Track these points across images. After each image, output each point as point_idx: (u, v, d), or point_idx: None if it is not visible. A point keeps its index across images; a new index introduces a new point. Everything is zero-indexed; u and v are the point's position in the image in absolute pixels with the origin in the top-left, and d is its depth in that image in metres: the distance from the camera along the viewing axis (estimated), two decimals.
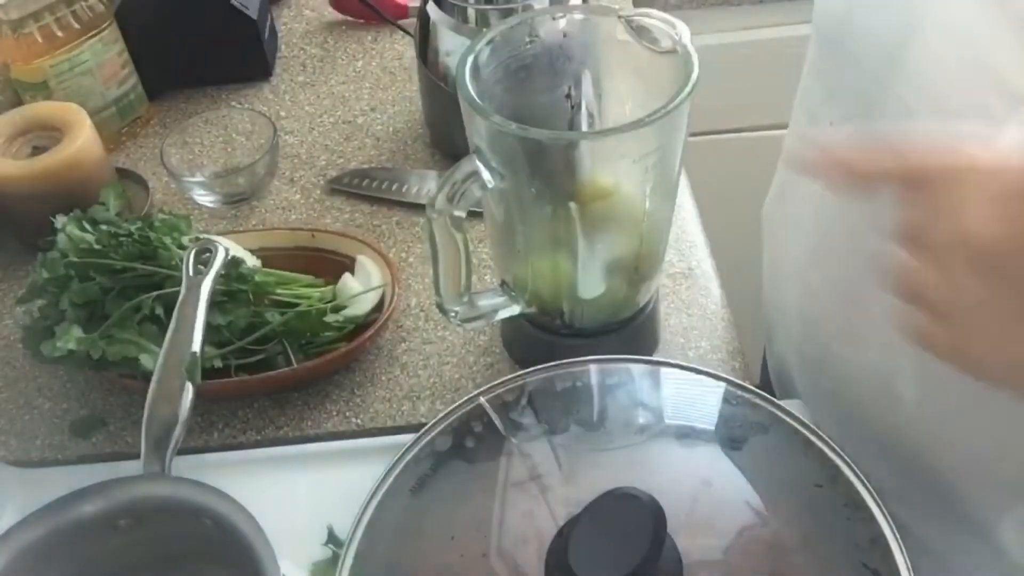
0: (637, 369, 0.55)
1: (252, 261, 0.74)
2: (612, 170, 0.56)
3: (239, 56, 1.00)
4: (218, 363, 0.65)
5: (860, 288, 0.57)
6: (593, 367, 0.54)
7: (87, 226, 0.70)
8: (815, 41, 0.59)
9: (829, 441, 0.49)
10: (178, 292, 0.64)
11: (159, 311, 0.66)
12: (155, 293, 0.67)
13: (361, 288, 0.72)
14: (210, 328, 0.64)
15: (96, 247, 0.68)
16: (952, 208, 0.37)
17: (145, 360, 0.63)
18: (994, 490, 0.57)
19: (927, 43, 0.46)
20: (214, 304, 0.65)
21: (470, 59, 0.55)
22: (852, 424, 0.64)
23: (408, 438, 0.51)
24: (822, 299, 0.64)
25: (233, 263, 0.68)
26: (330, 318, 0.69)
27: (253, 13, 0.97)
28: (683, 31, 0.55)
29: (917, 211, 0.39)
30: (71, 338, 0.64)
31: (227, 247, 0.69)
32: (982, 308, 0.38)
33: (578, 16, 0.60)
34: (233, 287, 0.67)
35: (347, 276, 0.74)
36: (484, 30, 0.59)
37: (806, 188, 0.63)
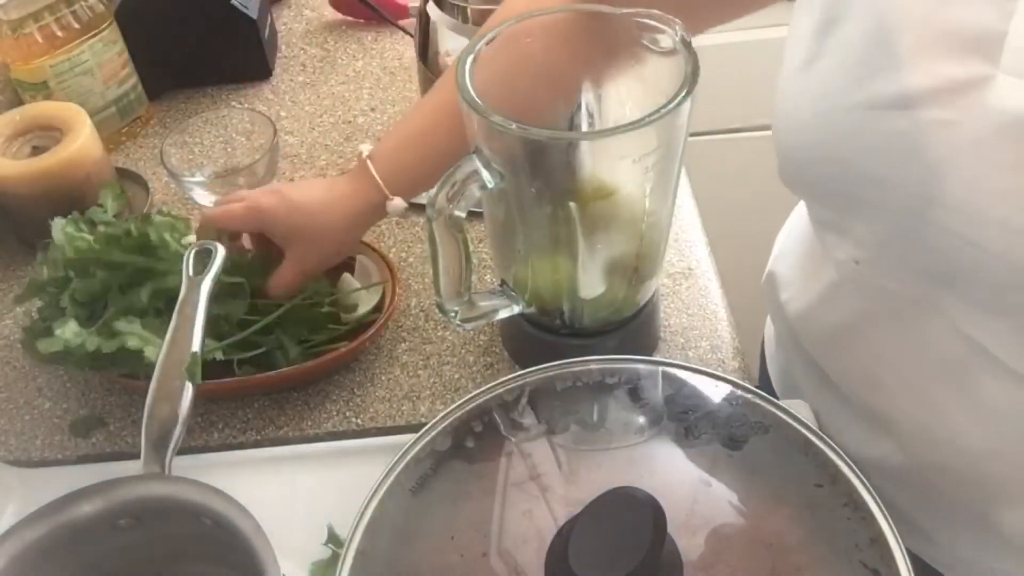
0: (637, 369, 0.55)
1: None
2: (612, 170, 0.56)
3: (239, 56, 1.00)
4: (219, 355, 0.65)
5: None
6: (593, 367, 0.54)
7: (83, 227, 0.70)
8: (802, 193, 0.58)
9: (829, 441, 0.49)
10: (179, 286, 0.64)
11: (160, 304, 0.66)
12: (151, 287, 0.67)
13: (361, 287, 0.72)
14: (209, 319, 0.64)
15: (95, 246, 0.68)
16: None
17: (149, 352, 0.63)
18: (996, 483, 0.57)
19: (960, 179, 0.46)
20: (212, 296, 0.65)
21: (470, 59, 0.55)
22: (863, 422, 0.64)
23: (408, 438, 0.51)
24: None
25: (230, 260, 0.68)
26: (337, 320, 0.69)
27: (253, 13, 0.97)
28: (683, 31, 0.55)
29: None
30: (68, 332, 0.64)
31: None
32: None
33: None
34: (232, 279, 0.68)
35: (346, 276, 0.74)
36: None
37: None
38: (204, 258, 0.66)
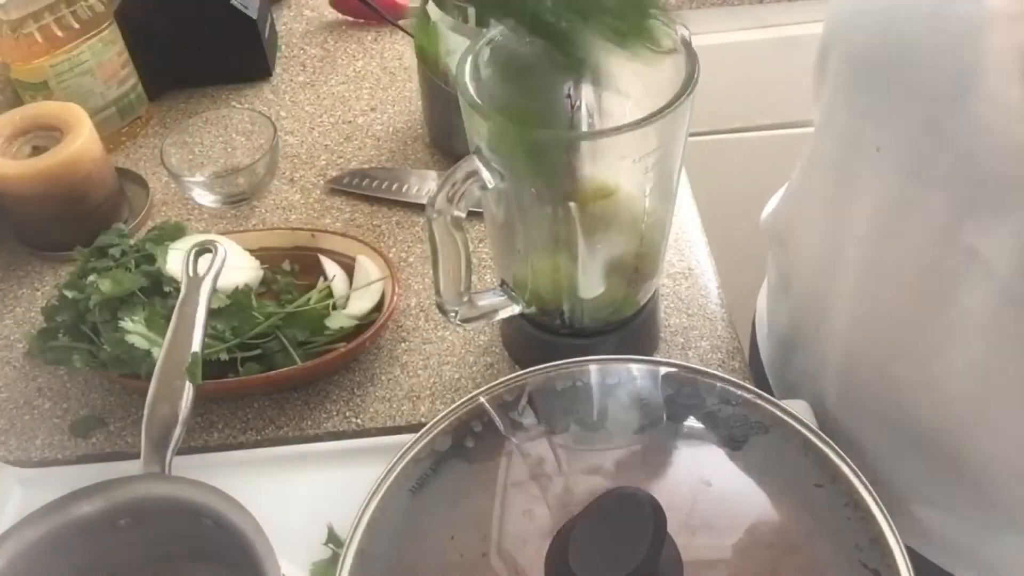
0: (637, 369, 0.55)
1: (252, 261, 0.74)
2: (612, 170, 0.56)
3: (239, 56, 1.00)
4: (223, 355, 0.65)
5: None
6: (593, 367, 0.54)
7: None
8: (843, 71, 0.59)
9: (829, 441, 0.49)
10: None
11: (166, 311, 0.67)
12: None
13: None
14: (212, 332, 0.65)
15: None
16: None
17: (156, 352, 0.63)
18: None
19: (990, 86, 0.48)
20: (215, 311, 0.66)
21: (470, 59, 0.55)
22: (885, 421, 0.64)
23: (408, 438, 0.51)
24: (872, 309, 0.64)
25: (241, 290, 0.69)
26: (331, 319, 0.69)
27: (253, 13, 0.97)
28: (683, 31, 0.55)
29: None
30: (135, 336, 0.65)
31: (227, 247, 0.69)
32: None
33: None
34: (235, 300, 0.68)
35: (341, 275, 0.74)
36: (484, 30, 0.58)
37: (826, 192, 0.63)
38: (204, 258, 0.67)
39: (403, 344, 0.73)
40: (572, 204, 0.56)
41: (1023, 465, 0.57)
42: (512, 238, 0.61)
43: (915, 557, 0.44)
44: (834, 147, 0.63)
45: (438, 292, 0.60)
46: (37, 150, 0.81)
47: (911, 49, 0.52)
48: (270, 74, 1.02)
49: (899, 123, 0.54)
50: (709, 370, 0.54)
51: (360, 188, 0.86)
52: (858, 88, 0.58)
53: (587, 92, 0.60)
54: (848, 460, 0.48)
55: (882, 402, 0.64)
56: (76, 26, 0.86)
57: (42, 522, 0.50)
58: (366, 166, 0.90)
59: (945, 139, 0.51)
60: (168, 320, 0.63)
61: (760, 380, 0.84)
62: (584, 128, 0.61)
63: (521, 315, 0.66)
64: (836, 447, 0.48)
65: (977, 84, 0.48)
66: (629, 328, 0.67)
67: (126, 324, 0.66)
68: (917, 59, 0.52)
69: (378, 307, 0.71)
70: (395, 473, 0.50)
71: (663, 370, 0.57)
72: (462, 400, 0.53)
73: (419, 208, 0.84)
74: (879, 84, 0.56)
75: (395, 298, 0.70)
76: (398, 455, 0.50)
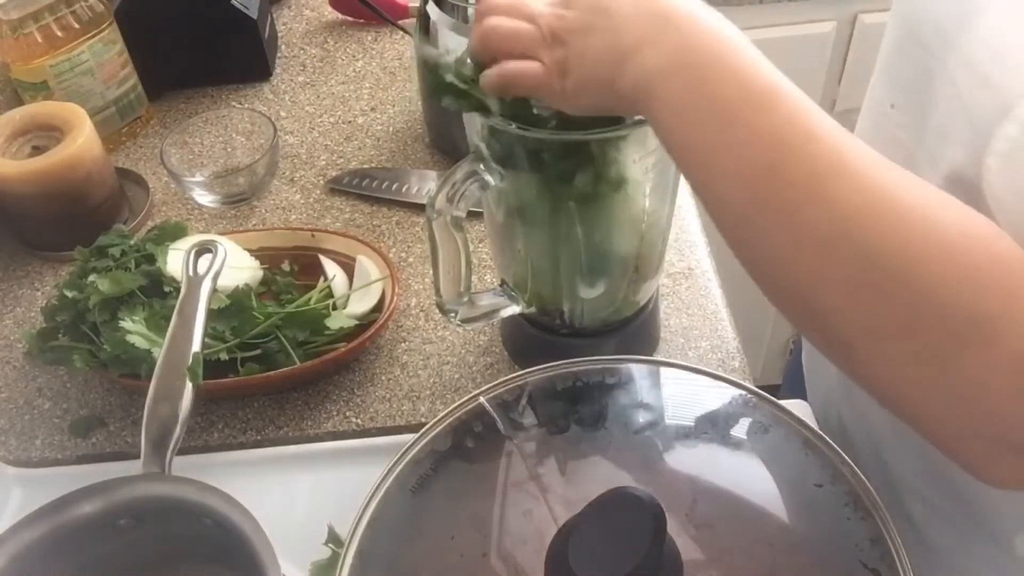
0: (637, 369, 0.55)
1: (252, 261, 0.74)
2: (612, 170, 0.56)
3: (239, 56, 1.00)
4: (223, 356, 0.65)
5: None
6: (593, 367, 0.54)
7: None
8: (889, 30, 0.60)
9: (829, 441, 0.49)
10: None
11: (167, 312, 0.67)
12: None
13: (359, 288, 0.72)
14: (212, 332, 0.65)
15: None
16: None
17: (157, 352, 0.63)
18: (1016, 504, 0.57)
19: (985, 26, 0.47)
20: (215, 311, 0.66)
21: (470, 59, 0.55)
22: (890, 424, 0.64)
23: (408, 438, 0.51)
24: None
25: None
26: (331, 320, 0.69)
27: (253, 13, 0.97)
28: None
29: None
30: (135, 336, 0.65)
31: (227, 247, 0.69)
32: (581, 35, 0.46)
33: None
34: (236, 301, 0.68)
35: (341, 275, 0.74)
36: None
37: None
38: (204, 258, 0.67)
39: (403, 344, 0.73)
40: (572, 204, 0.56)
41: None
42: (512, 238, 0.61)
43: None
44: (867, 116, 0.64)
45: (438, 292, 0.60)
46: (37, 150, 0.81)
47: (926, 2, 0.53)
48: (270, 74, 1.02)
49: (904, 74, 0.54)
50: (709, 370, 0.54)
51: (360, 188, 0.86)
52: (889, 45, 0.59)
53: None
54: (848, 460, 0.48)
55: None
56: (76, 26, 0.86)
57: (42, 522, 0.50)
58: (366, 166, 0.90)
59: (940, 72, 0.50)
60: (168, 320, 0.63)
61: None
62: None
63: (521, 315, 0.66)
64: (836, 447, 0.48)
65: (976, 20, 0.48)
66: (629, 328, 0.67)
67: (126, 324, 0.66)
68: (928, 9, 0.52)
69: (378, 307, 0.71)
70: (395, 473, 0.50)
71: (663, 370, 0.57)
72: (462, 400, 0.53)
73: (419, 208, 0.84)
74: (891, 40, 0.57)
75: (395, 298, 0.70)
76: (398, 455, 0.50)
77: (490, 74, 0.49)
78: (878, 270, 0.39)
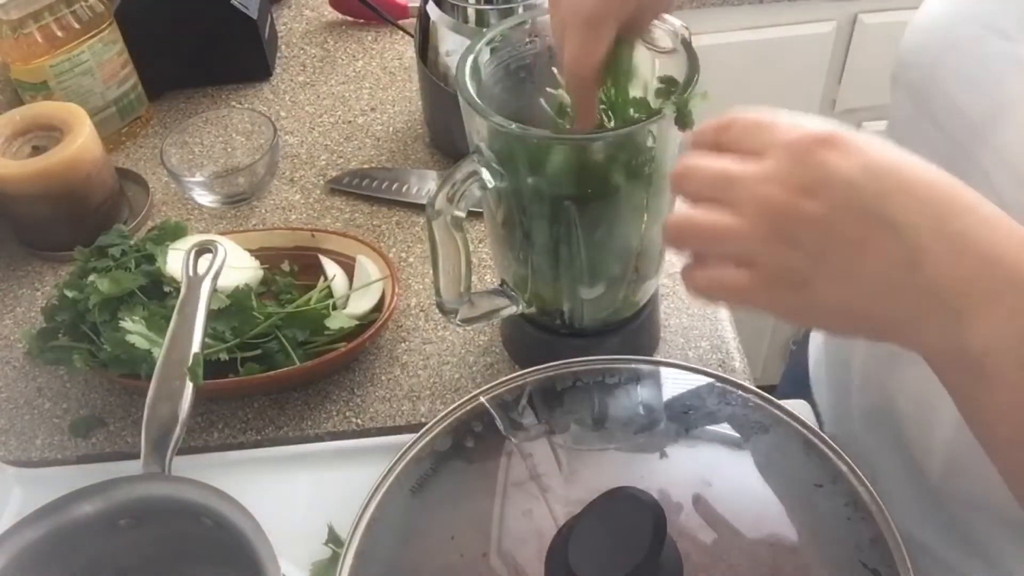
0: (637, 369, 0.55)
1: (252, 261, 0.74)
2: (613, 170, 0.56)
3: (239, 56, 1.00)
4: (224, 356, 0.65)
5: None
6: (593, 367, 0.54)
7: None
8: (896, 92, 0.60)
9: (829, 441, 0.49)
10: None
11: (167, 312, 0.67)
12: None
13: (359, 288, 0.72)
14: (211, 327, 0.65)
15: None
16: (757, 158, 0.37)
17: (157, 353, 0.63)
18: (1008, 525, 0.57)
19: (1018, 123, 0.48)
20: (215, 311, 0.66)
21: (470, 59, 0.55)
22: (890, 442, 0.63)
23: (408, 438, 0.51)
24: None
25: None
26: (331, 320, 0.69)
27: (253, 13, 0.97)
28: (683, 31, 0.55)
29: (723, 158, 0.38)
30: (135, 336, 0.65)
31: (227, 247, 0.69)
32: (786, 262, 0.37)
33: None
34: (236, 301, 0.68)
35: (341, 275, 0.74)
36: (484, 30, 0.58)
37: None
38: (204, 258, 0.67)
39: (403, 344, 0.73)
40: (572, 204, 0.56)
41: None
42: (512, 238, 0.61)
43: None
44: None
45: (438, 292, 0.60)
46: (37, 150, 0.81)
47: (953, 78, 0.53)
48: (270, 74, 1.02)
49: (935, 147, 0.54)
50: (709, 370, 0.54)
51: (360, 188, 0.86)
52: (909, 113, 0.59)
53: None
54: (848, 460, 0.48)
55: None
56: (76, 26, 0.86)
57: (42, 522, 0.51)
58: (366, 166, 0.90)
59: (972, 166, 0.50)
60: (168, 320, 0.63)
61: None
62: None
63: (521, 315, 0.66)
64: (836, 447, 0.48)
65: (1008, 118, 0.48)
66: (629, 328, 0.67)
67: (126, 324, 0.66)
68: (956, 87, 0.52)
69: (378, 307, 0.71)
70: (395, 473, 0.50)
71: (663, 370, 0.57)
72: (462, 400, 0.53)
73: (419, 208, 0.84)
74: (922, 109, 0.56)
75: (395, 298, 0.70)
76: (398, 455, 0.50)
77: (694, 277, 0.40)
78: None
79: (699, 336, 0.72)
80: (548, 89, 0.58)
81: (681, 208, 0.39)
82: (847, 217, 0.35)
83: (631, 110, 0.56)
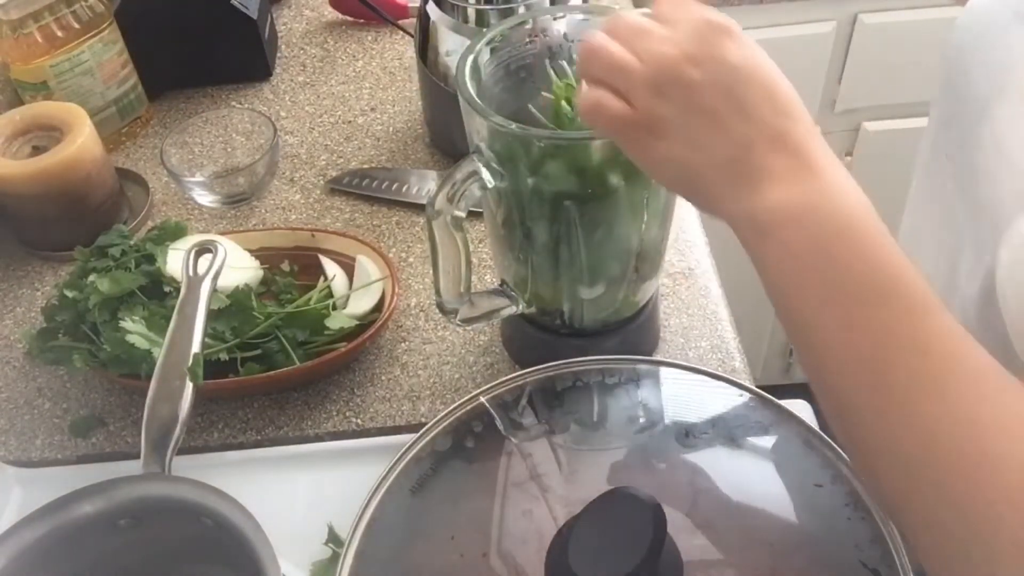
0: (637, 369, 0.55)
1: (252, 261, 0.74)
2: (612, 170, 0.56)
3: (239, 56, 1.00)
4: (224, 356, 0.65)
5: None
6: (593, 367, 0.54)
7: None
8: (940, 76, 0.61)
9: (829, 441, 0.49)
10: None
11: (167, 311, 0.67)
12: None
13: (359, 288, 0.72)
14: (211, 327, 0.65)
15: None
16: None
17: (157, 353, 0.63)
18: None
19: (1010, 105, 0.49)
20: (215, 311, 0.66)
21: (470, 59, 0.55)
22: None
23: (408, 438, 0.51)
24: None
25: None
26: (331, 320, 0.69)
27: (253, 13, 0.97)
28: None
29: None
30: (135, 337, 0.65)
31: (227, 247, 0.69)
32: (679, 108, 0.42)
33: (578, 16, 0.60)
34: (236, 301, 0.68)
35: (341, 275, 0.74)
36: (484, 30, 0.58)
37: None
38: (204, 258, 0.67)
39: (403, 344, 0.73)
40: (572, 204, 0.56)
41: None
42: (512, 238, 0.61)
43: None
44: (922, 161, 0.65)
45: (438, 292, 0.60)
46: (37, 150, 0.81)
47: (980, 65, 0.54)
48: (270, 74, 1.02)
49: (952, 134, 0.55)
50: (709, 370, 0.54)
51: (360, 188, 0.86)
52: (941, 90, 0.60)
53: None
54: (848, 460, 0.48)
55: None
56: (76, 26, 0.86)
57: (42, 522, 0.50)
58: (366, 166, 0.90)
59: (969, 154, 0.51)
60: (168, 320, 0.63)
61: None
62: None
63: (521, 315, 0.66)
64: (836, 447, 0.48)
65: (1002, 104, 0.48)
66: (629, 328, 0.67)
67: (126, 324, 0.66)
68: (969, 73, 0.53)
69: (378, 307, 0.71)
70: (395, 473, 0.50)
71: (663, 370, 0.57)
72: (462, 400, 0.53)
73: (419, 208, 0.84)
74: (948, 96, 0.57)
75: (395, 298, 0.70)
76: (398, 455, 0.50)
77: (583, 96, 0.45)
78: (945, 502, 0.38)
79: (699, 336, 0.72)
80: (544, 93, 0.58)
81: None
82: (715, 92, 0.42)
83: None
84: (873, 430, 0.40)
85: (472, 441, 0.51)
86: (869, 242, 0.40)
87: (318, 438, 0.68)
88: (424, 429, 0.52)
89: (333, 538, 0.59)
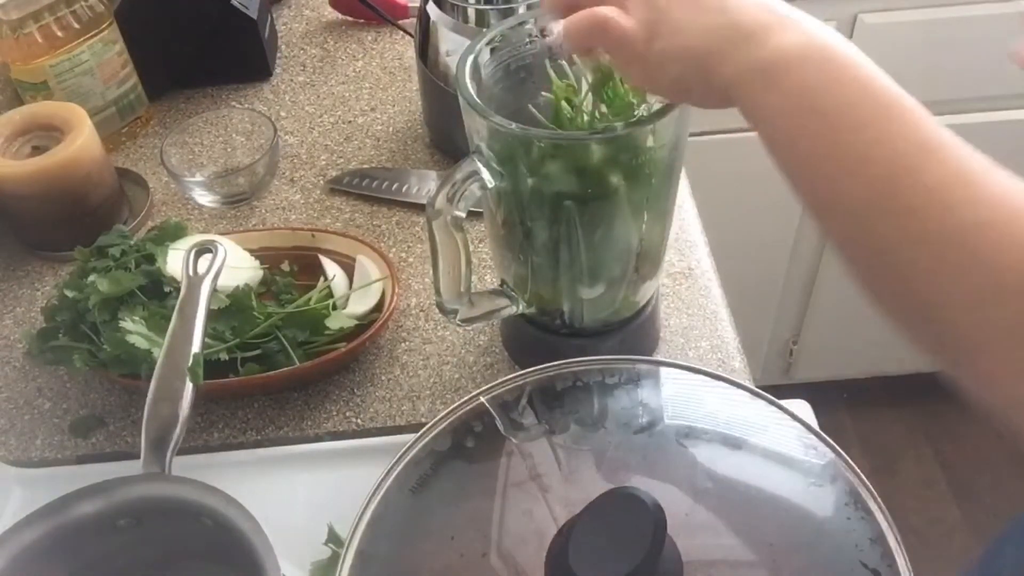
0: (637, 369, 0.55)
1: (252, 261, 0.74)
2: (612, 170, 0.56)
3: (239, 56, 1.00)
4: (223, 356, 0.65)
5: None
6: (593, 367, 0.54)
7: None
8: None
9: (829, 440, 0.49)
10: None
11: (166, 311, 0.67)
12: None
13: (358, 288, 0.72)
14: (211, 327, 0.65)
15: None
16: None
17: (157, 353, 0.63)
18: None
19: None
20: (215, 311, 0.66)
21: (470, 59, 0.55)
22: None
23: (408, 438, 0.51)
24: None
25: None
26: (331, 320, 0.69)
27: (253, 13, 0.97)
28: None
29: None
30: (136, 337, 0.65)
31: (227, 247, 0.69)
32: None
33: None
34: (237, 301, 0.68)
35: (341, 275, 0.74)
36: (484, 30, 0.58)
37: None
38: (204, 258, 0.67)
39: (403, 344, 0.73)
40: (572, 204, 0.56)
41: None
42: (512, 238, 0.61)
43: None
44: None
45: (438, 292, 0.60)
46: (37, 150, 0.81)
47: None
48: (270, 74, 1.02)
49: None
50: (709, 370, 0.54)
51: (360, 188, 0.86)
52: None
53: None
54: (848, 460, 0.48)
55: None
56: (76, 26, 0.86)
57: (42, 522, 0.50)
58: (366, 166, 0.90)
59: None
60: (168, 320, 0.63)
61: None
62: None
63: (521, 315, 0.66)
64: (836, 447, 0.48)
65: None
66: (629, 328, 0.67)
67: (126, 324, 0.66)
68: None
69: (378, 307, 0.71)
70: (395, 473, 0.50)
71: (663, 370, 0.57)
72: (462, 400, 0.53)
73: (419, 208, 0.84)
74: None
75: (395, 298, 0.70)
76: (398, 455, 0.50)
77: (577, 17, 0.47)
78: (994, 284, 0.37)
79: (699, 336, 0.72)
80: (544, 93, 0.58)
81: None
82: None
83: (631, 108, 0.56)
84: (900, 237, 0.40)
85: (472, 441, 0.51)
86: (868, 69, 0.43)
87: (318, 438, 0.68)
88: (424, 429, 0.51)
89: (333, 538, 0.59)
